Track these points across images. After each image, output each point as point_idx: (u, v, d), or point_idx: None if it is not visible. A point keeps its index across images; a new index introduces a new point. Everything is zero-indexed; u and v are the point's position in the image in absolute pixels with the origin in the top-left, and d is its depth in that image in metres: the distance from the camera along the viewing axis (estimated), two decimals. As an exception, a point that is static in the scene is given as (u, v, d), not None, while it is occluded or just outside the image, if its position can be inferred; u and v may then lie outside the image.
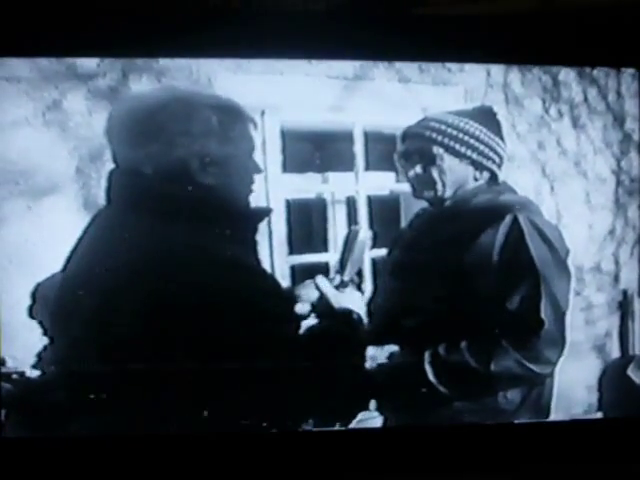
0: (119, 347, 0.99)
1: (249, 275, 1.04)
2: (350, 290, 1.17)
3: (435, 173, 1.17)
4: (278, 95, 1.18)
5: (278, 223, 1.22)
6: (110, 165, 1.07)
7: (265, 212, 1.14)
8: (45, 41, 1.06)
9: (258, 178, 1.11)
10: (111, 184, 1.02)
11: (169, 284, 0.97)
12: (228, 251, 1.01)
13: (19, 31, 1.05)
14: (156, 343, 0.98)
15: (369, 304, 1.22)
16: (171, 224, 0.99)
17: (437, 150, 1.16)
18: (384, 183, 1.32)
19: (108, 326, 0.98)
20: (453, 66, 1.28)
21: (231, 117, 1.04)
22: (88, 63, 1.10)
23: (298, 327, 1.12)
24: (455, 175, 1.17)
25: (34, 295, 1.08)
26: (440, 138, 1.16)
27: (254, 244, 1.09)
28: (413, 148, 1.18)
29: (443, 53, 1.21)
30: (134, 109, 1.04)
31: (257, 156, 1.10)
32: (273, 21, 1.12)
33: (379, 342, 1.17)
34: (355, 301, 1.16)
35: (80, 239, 1.04)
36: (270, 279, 1.13)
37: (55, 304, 1.03)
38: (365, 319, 1.16)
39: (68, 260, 1.04)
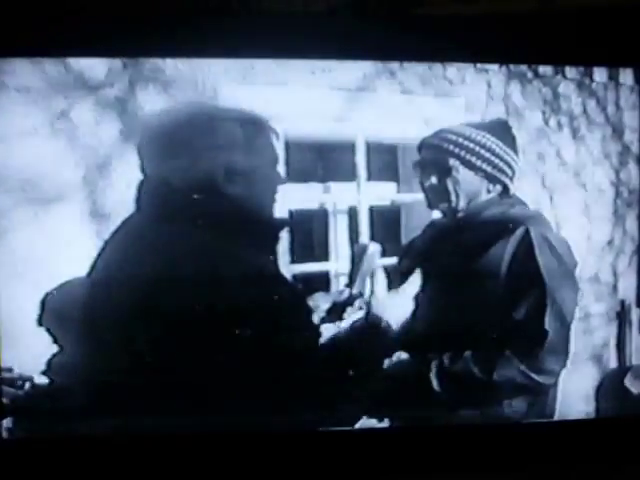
0: (141, 351, 1.01)
1: (272, 282, 1.06)
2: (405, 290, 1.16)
3: (450, 184, 1.17)
4: (282, 106, 1.19)
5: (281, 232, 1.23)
6: (116, 175, 1.09)
7: (285, 222, 1.16)
8: (45, 41, 1.07)
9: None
10: (140, 194, 1.05)
11: (194, 292, 0.99)
12: (252, 259, 1.04)
13: (19, 31, 1.06)
14: (176, 347, 1.00)
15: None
16: (198, 234, 1.02)
17: (453, 162, 1.16)
18: (385, 193, 1.33)
19: (133, 331, 1.00)
20: (454, 78, 1.29)
21: (254, 129, 1.07)
22: (96, 73, 1.11)
23: (318, 335, 1.14)
24: (469, 187, 1.18)
25: (43, 303, 1.09)
26: (457, 150, 1.16)
27: (275, 253, 1.11)
28: (429, 159, 1.19)
29: (443, 53, 1.21)
30: (161, 124, 1.07)
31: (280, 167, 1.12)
32: (272, 22, 1.12)
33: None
34: (404, 303, 1.15)
35: (104, 247, 1.06)
36: (291, 287, 1.15)
37: (82, 310, 1.05)
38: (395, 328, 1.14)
39: (93, 266, 1.06)
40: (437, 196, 1.19)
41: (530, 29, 1.16)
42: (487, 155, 1.16)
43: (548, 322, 1.12)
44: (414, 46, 1.17)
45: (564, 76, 1.34)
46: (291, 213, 1.23)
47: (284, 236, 1.23)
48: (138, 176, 1.07)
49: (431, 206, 1.20)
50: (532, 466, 1.18)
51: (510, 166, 1.18)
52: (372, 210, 1.30)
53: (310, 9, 1.19)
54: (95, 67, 1.11)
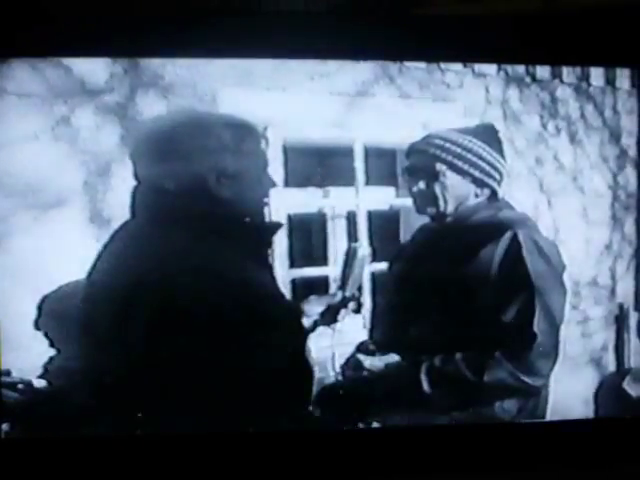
0: (138, 353, 1.02)
1: (261, 288, 1.08)
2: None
3: (438, 189, 1.18)
4: (281, 111, 1.20)
5: (279, 237, 1.23)
6: (116, 180, 1.10)
7: (277, 226, 1.17)
8: (44, 41, 1.07)
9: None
10: (135, 200, 1.07)
11: (186, 297, 1.00)
12: (242, 264, 1.05)
13: (18, 31, 1.06)
14: (173, 349, 1.01)
15: (372, 317, 1.25)
16: (191, 237, 1.03)
17: (440, 167, 1.17)
18: (384, 198, 1.33)
19: (125, 336, 1.01)
20: (452, 82, 1.30)
21: (242, 133, 1.09)
22: (97, 79, 1.11)
23: (305, 340, 1.16)
24: (457, 192, 1.18)
25: (40, 307, 1.10)
26: (444, 155, 1.17)
27: (266, 257, 1.12)
28: (417, 164, 1.19)
29: (443, 54, 1.21)
30: (154, 130, 1.09)
31: (270, 171, 1.13)
32: (273, 21, 1.12)
33: (378, 353, 1.19)
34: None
35: (102, 252, 1.07)
36: (280, 293, 1.16)
37: (79, 313, 1.06)
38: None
39: (91, 272, 1.07)
40: (425, 201, 1.20)
41: (532, 30, 1.16)
42: (474, 159, 1.17)
43: (537, 324, 1.13)
44: (414, 46, 1.17)
45: (561, 80, 1.35)
46: (290, 218, 1.24)
47: (283, 241, 1.24)
48: (135, 181, 1.08)
49: (419, 211, 1.21)
50: (528, 468, 1.19)
51: (497, 170, 1.19)
52: (371, 215, 1.31)
53: (310, 9, 1.20)
54: (96, 72, 1.11)
